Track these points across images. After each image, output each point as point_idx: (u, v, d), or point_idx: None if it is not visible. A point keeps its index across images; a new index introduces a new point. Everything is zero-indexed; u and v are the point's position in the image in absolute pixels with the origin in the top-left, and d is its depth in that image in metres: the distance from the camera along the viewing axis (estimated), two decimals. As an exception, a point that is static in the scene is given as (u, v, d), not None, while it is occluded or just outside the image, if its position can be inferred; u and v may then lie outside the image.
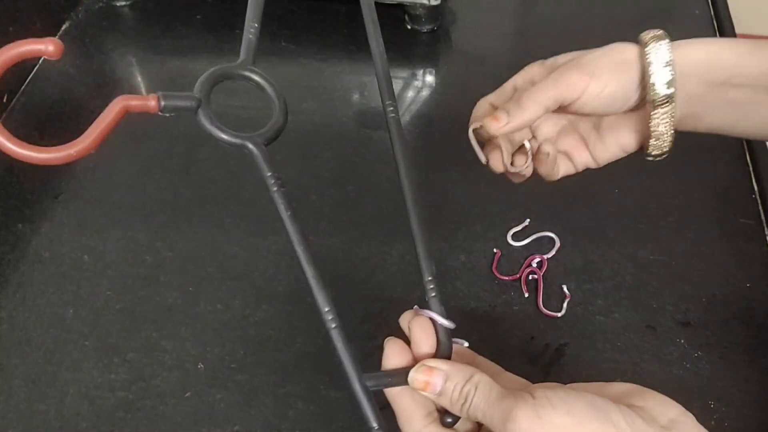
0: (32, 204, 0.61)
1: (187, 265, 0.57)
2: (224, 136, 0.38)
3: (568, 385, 0.36)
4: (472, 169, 0.51)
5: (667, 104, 0.44)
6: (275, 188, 0.38)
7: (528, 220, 0.59)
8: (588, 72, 0.44)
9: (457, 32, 0.78)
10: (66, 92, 0.71)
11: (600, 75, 0.44)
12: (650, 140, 0.46)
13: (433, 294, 0.38)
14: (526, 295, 0.55)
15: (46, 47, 0.33)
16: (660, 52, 0.43)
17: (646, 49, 0.44)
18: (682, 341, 0.53)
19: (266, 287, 0.55)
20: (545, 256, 0.57)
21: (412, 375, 0.36)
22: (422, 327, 0.37)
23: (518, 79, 0.48)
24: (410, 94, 0.71)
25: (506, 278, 0.56)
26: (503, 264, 0.57)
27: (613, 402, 0.33)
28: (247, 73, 0.39)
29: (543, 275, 0.56)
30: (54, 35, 0.75)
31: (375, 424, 0.35)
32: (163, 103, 0.36)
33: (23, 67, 0.71)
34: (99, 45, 0.75)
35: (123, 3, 0.79)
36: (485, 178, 0.51)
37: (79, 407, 0.49)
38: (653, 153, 0.47)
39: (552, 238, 0.58)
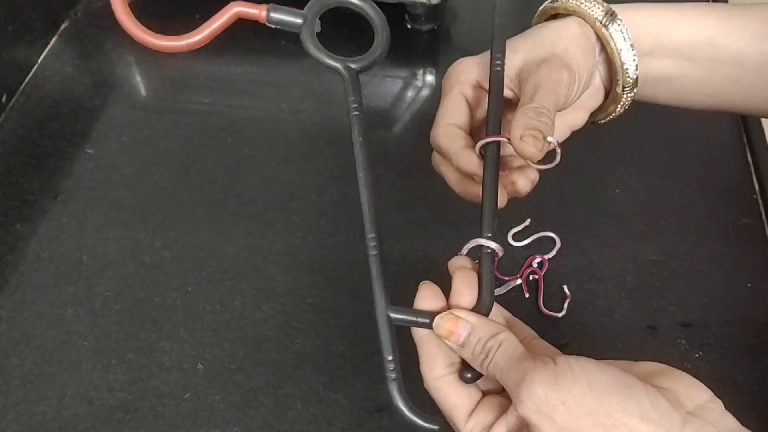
0: (31, 204, 0.60)
1: (187, 265, 0.56)
2: (322, 57, 0.39)
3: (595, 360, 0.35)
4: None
5: (635, 86, 0.44)
6: (355, 112, 0.39)
7: (528, 220, 0.59)
8: (570, 67, 0.41)
9: (458, 31, 0.78)
10: (65, 92, 0.70)
11: (578, 67, 0.41)
12: (609, 115, 0.46)
13: (488, 250, 0.37)
14: (527, 295, 0.55)
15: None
16: (622, 33, 0.42)
17: (609, 31, 0.42)
18: (683, 342, 0.53)
19: (266, 288, 0.55)
20: (546, 257, 0.57)
21: (437, 321, 0.35)
22: (467, 280, 0.36)
23: (461, 87, 0.43)
24: (410, 94, 0.71)
25: (507, 278, 0.56)
26: (504, 264, 0.57)
27: (639, 380, 0.31)
28: (357, 0, 0.41)
29: (543, 275, 0.56)
30: (53, 35, 0.75)
31: (389, 356, 0.35)
32: (271, 14, 0.38)
33: (23, 66, 0.70)
34: (98, 44, 0.75)
35: (122, 2, 0.79)
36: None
37: (77, 408, 0.49)
38: (603, 121, 0.47)
39: (553, 238, 0.58)
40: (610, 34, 0.42)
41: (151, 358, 0.51)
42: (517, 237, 0.58)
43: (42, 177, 0.62)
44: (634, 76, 0.43)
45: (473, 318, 0.35)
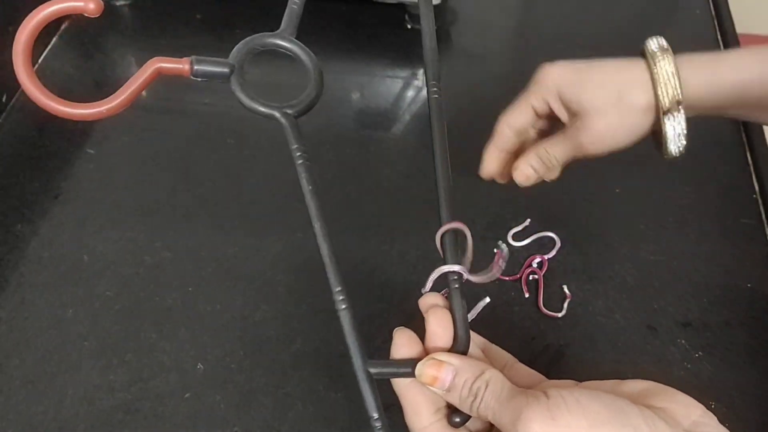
0: (31, 204, 0.60)
1: (187, 265, 0.56)
2: (255, 106, 0.37)
3: (582, 383, 0.35)
4: (473, 169, 0.51)
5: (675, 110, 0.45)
6: (300, 161, 0.37)
7: (528, 220, 0.59)
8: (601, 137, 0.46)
9: (458, 31, 0.78)
10: (65, 92, 0.69)
11: (613, 134, 0.46)
12: (664, 149, 0.48)
13: (456, 285, 0.36)
14: (527, 295, 0.55)
15: (86, 5, 0.35)
16: (676, 121, 0.45)
17: (665, 119, 0.45)
18: (683, 342, 0.53)
19: (266, 288, 0.55)
20: (546, 257, 0.57)
21: (420, 368, 0.34)
22: (440, 320, 0.35)
23: (512, 120, 0.49)
24: (410, 93, 0.71)
25: (507, 278, 0.56)
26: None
27: (632, 402, 0.31)
28: (285, 43, 0.39)
29: (543, 275, 0.56)
30: (53, 35, 0.75)
31: (375, 414, 0.34)
32: (195, 67, 0.36)
33: (22, 66, 0.70)
34: (98, 44, 0.75)
35: (122, 2, 0.79)
36: (485, 178, 0.51)
37: (78, 408, 0.49)
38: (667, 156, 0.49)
39: (552, 238, 0.58)
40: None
41: (152, 358, 0.51)
42: (517, 237, 0.58)
43: (42, 177, 0.62)
44: (675, 151, 0.47)
45: (455, 360, 0.34)
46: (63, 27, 0.76)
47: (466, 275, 0.36)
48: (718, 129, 0.67)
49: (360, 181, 0.63)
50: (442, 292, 0.37)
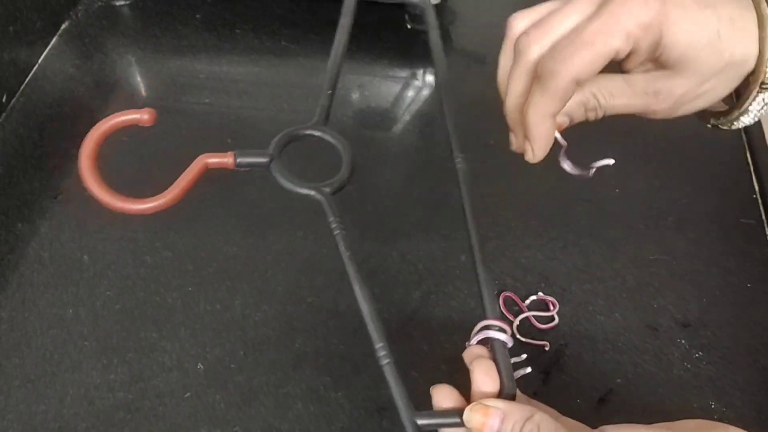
0: (31, 204, 0.60)
1: (187, 265, 0.57)
2: (296, 189, 0.42)
3: (633, 425, 0.34)
4: (472, 169, 0.51)
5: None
6: (336, 231, 0.41)
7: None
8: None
9: (458, 31, 0.78)
10: (65, 92, 0.70)
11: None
12: (733, 116, 0.40)
13: (498, 336, 0.37)
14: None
15: (142, 116, 0.41)
16: None
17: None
18: (683, 342, 0.53)
19: (266, 288, 0.55)
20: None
21: (468, 414, 0.33)
22: (485, 369, 0.35)
23: (587, 70, 0.35)
24: (410, 93, 0.71)
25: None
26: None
27: None
28: (319, 133, 0.44)
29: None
30: (53, 35, 0.75)
31: None
32: (238, 160, 0.41)
33: (22, 67, 0.70)
34: (98, 44, 0.75)
35: (122, 2, 0.79)
36: (486, 177, 0.51)
37: (78, 408, 0.49)
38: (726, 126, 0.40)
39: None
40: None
41: (152, 358, 0.51)
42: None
43: (43, 177, 0.62)
44: None
45: (502, 404, 0.33)
46: (63, 27, 0.76)
47: (509, 343, 0.37)
48: (718, 129, 0.67)
49: (360, 181, 0.63)
50: (480, 339, 0.37)
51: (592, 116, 0.39)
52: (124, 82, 0.72)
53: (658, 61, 0.36)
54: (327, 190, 0.42)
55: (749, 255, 0.58)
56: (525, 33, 0.37)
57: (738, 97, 0.37)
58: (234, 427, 0.48)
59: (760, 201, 0.61)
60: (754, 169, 0.64)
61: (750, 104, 0.37)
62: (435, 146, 0.66)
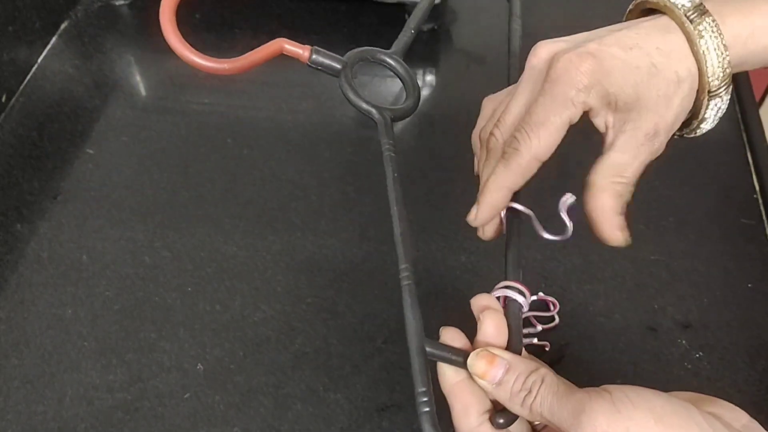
0: (31, 204, 0.60)
1: (186, 265, 0.56)
2: (358, 100, 0.41)
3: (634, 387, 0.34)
4: (472, 168, 0.51)
5: (723, 91, 0.38)
6: (387, 153, 0.40)
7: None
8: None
9: (458, 31, 0.78)
10: (65, 92, 0.70)
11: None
12: (695, 126, 0.41)
13: (515, 298, 0.36)
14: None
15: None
16: (712, 31, 0.35)
17: (696, 29, 0.36)
18: (683, 342, 0.53)
19: (265, 288, 0.55)
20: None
21: (472, 359, 0.33)
22: (495, 321, 0.35)
23: (546, 150, 0.39)
24: (410, 93, 0.71)
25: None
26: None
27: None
28: (392, 61, 0.44)
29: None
30: (53, 35, 0.75)
31: (423, 388, 0.33)
32: (314, 56, 0.40)
33: (22, 67, 0.70)
34: (98, 44, 0.75)
35: (122, 2, 0.79)
36: (485, 178, 0.50)
37: (77, 408, 0.49)
38: (691, 135, 0.43)
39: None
40: (697, 32, 0.36)
41: (151, 358, 0.51)
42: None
43: (42, 177, 0.62)
44: (718, 82, 0.37)
45: (508, 356, 0.33)
46: (63, 27, 0.76)
47: (525, 308, 0.37)
48: (719, 129, 0.66)
49: (359, 181, 0.63)
50: (496, 295, 0.37)
51: (629, 196, 0.44)
52: (123, 82, 0.72)
53: (618, 108, 0.37)
54: (388, 114, 0.42)
55: (749, 255, 0.58)
56: (484, 127, 0.41)
57: (692, 108, 0.39)
58: (233, 427, 0.48)
59: (760, 201, 0.61)
60: (754, 169, 0.64)
61: (705, 112, 0.39)
62: (435, 146, 0.66)
